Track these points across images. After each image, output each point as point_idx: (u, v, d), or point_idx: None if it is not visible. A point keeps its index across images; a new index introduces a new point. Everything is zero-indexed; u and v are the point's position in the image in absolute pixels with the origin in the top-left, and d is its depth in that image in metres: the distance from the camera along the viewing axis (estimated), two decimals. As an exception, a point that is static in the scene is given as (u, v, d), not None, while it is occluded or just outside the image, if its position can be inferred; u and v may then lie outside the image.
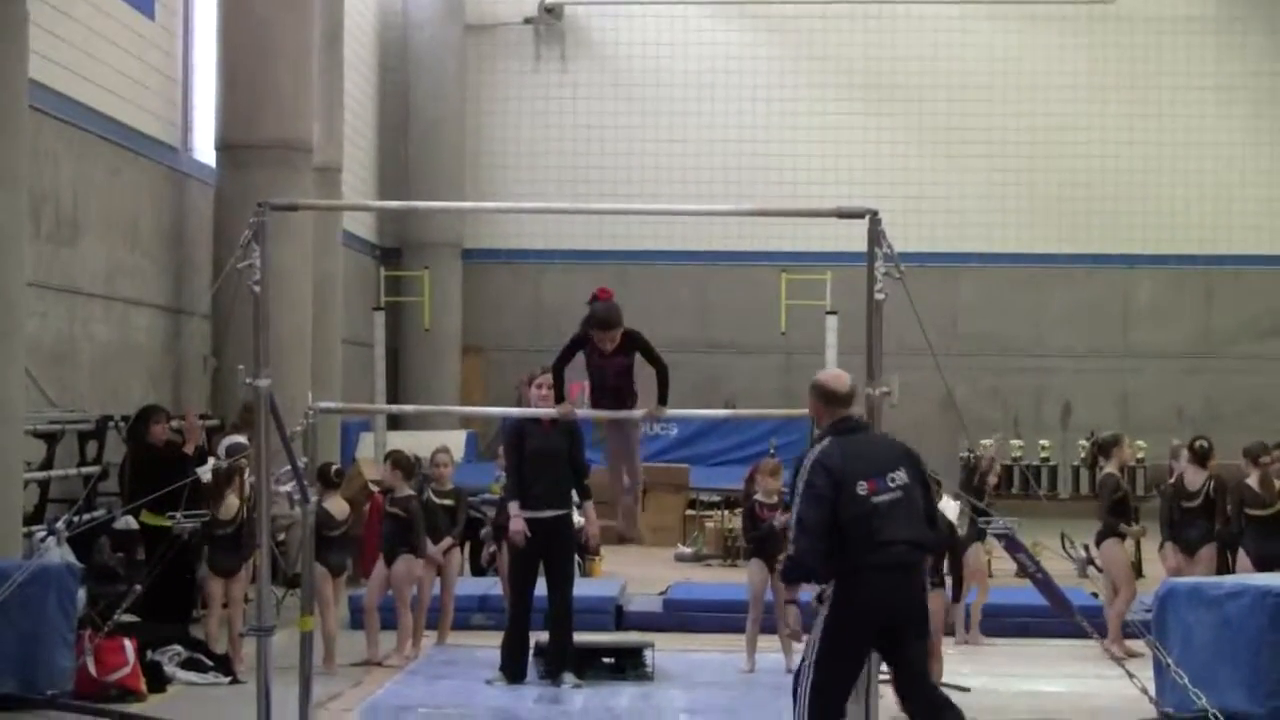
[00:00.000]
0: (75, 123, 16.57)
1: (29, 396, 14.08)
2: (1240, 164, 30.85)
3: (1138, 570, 18.97)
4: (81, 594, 12.43)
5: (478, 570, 17.27)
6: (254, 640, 9.78)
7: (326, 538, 13.03)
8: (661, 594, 16.60)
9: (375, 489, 16.60)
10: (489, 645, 13.31)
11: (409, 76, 30.29)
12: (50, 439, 15.03)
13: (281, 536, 16.94)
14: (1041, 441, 25.02)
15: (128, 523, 14.75)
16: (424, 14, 30.27)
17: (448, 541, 14.22)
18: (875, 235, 9.44)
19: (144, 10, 18.71)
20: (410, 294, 26.90)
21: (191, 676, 12.67)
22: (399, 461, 14.07)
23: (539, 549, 12.65)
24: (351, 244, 26.82)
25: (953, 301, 29.92)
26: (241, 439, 14.83)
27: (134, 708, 11.59)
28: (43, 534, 12.98)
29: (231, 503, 13.38)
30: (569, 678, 12.55)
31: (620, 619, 15.53)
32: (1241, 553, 14.69)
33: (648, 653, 13.10)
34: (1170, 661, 11.14)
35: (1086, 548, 14.79)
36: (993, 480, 17.30)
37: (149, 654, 12.50)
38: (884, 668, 11.52)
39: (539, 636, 12.81)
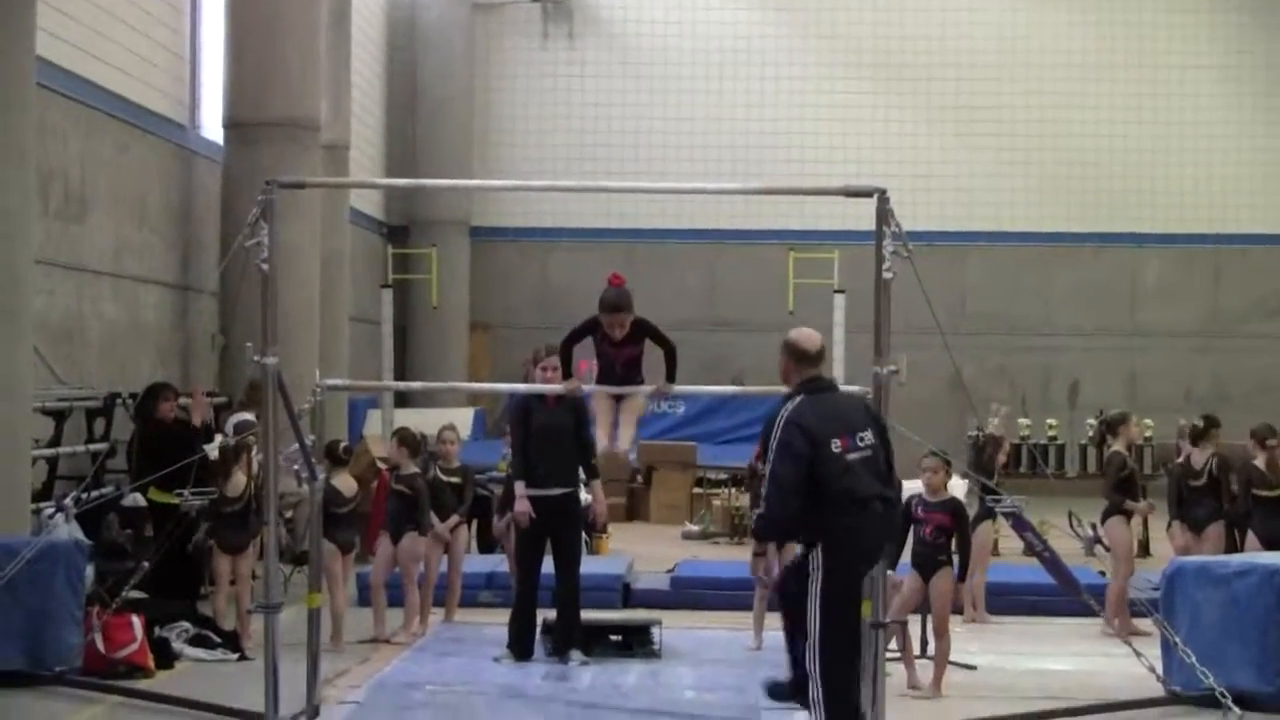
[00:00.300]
0: (83, 100, 16.56)
1: (37, 374, 14.09)
2: (1249, 142, 30.79)
3: (1145, 549, 19.00)
4: (89, 571, 12.46)
5: (485, 548, 17.28)
6: (262, 617, 9.78)
7: (335, 515, 13.06)
8: (669, 571, 16.61)
9: (383, 466, 16.60)
10: (496, 623, 13.32)
11: (417, 54, 30.26)
12: (58, 416, 15.05)
13: (289, 514, 16.97)
14: (1049, 421, 24.98)
15: (136, 500, 14.77)
16: (432, -9, 30.25)
17: (455, 519, 14.22)
18: (884, 214, 9.42)
19: (151, -13, 18.70)
20: (418, 272, 26.88)
21: (199, 653, 12.67)
22: (404, 439, 14.06)
23: (546, 527, 12.66)
24: (359, 222, 26.82)
25: (961, 280, 29.92)
26: (249, 416, 14.84)
27: (142, 684, 11.60)
28: (51, 511, 13.03)
29: (239, 480, 13.38)
30: (576, 655, 12.56)
31: (627, 597, 15.53)
32: (1250, 534, 14.70)
33: (655, 630, 13.10)
34: (1178, 640, 11.15)
35: (1094, 526, 14.80)
36: (1002, 459, 17.30)
37: (157, 631, 12.51)
38: (892, 645, 11.59)
39: (546, 614, 12.82)
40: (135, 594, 12.46)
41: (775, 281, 26.06)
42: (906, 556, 12.17)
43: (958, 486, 13.63)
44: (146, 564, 12.38)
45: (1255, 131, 30.79)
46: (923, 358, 11.58)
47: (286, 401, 9.89)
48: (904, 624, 11.92)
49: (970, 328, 28.83)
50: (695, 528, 21.54)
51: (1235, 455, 15.13)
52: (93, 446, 15.55)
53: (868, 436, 8.74)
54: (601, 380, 10.55)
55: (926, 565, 11.95)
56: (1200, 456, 15.02)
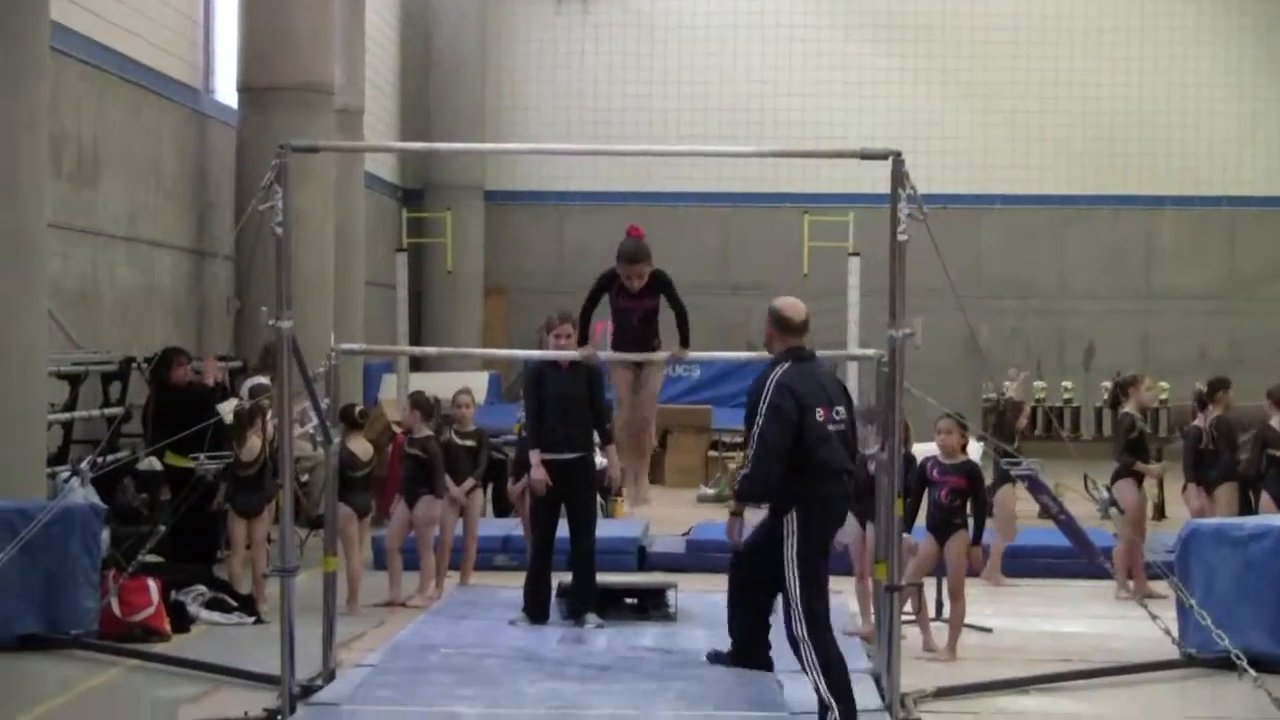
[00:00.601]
0: (97, 64, 16.55)
1: (52, 338, 14.11)
2: (1265, 105, 30.66)
3: (1160, 512, 18.99)
4: (105, 535, 12.49)
5: (500, 511, 17.29)
6: (277, 581, 9.80)
7: (350, 479, 13.06)
8: (684, 535, 16.62)
9: (398, 430, 16.62)
10: (512, 586, 13.33)
11: (431, 18, 30.18)
12: (73, 380, 15.07)
13: (305, 478, 16.99)
14: (1064, 383, 24.93)
15: (151, 464, 14.80)
16: (446, -45, 30.16)
17: (470, 482, 14.23)
18: (899, 176, 9.39)
19: (165, -49, 18.68)
20: (432, 236, 26.86)
21: (215, 617, 12.71)
22: (418, 402, 14.06)
23: (560, 491, 12.66)
24: (374, 186, 26.80)
25: (976, 243, 29.83)
26: (264, 380, 14.85)
27: (158, 648, 11.64)
28: (66, 475, 13.04)
29: (254, 444, 13.39)
30: (592, 618, 12.56)
31: (643, 560, 15.56)
32: (1265, 494, 14.69)
33: (670, 593, 13.10)
34: (1193, 603, 11.14)
35: (1109, 489, 14.76)
36: (1023, 423, 17.29)
37: (173, 594, 12.54)
38: (907, 608, 11.60)
39: (562, 577, 12.83)
40: (151, 558, 12.49)
41: (790, 245, 26.03)
42: (921, 519, 12.17)
43: (976, 450, 13.61)
44: (162, 528, 12.40)
45: (1272, 94, 30.64)
46: (937, 321, 11.59)
47: (301, 365, 9.89)
48: (919, 587, 11.92)
49: (985, 291, 28.77)
50: (710, 491, 21.55)
51: (1251, 416, 15.13)
52: (108, 411, 15.58)
53: (842, 411, 9.10)
54: (617, 338, 10.56)
55: (942, 528, 11.93)
56: (1207, 420, 15.07)
